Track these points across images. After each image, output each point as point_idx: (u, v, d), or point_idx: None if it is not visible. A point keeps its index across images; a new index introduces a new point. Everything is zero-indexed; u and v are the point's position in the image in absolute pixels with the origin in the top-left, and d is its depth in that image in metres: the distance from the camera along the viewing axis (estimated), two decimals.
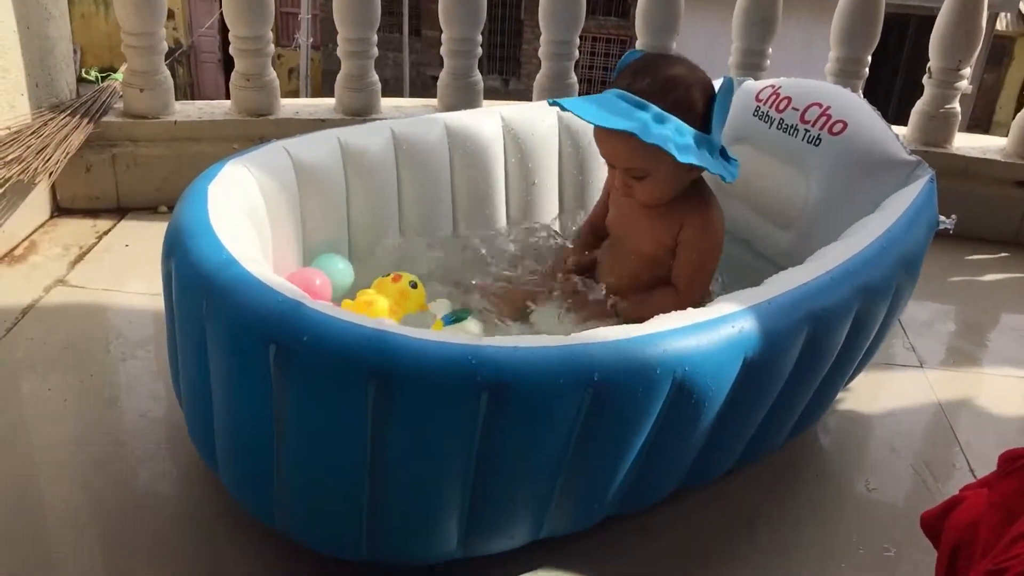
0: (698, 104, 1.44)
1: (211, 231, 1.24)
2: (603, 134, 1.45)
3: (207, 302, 1.15)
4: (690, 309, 1.21)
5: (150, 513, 1.41)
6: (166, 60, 2.44)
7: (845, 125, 1.68)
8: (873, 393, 1.86)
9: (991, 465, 0.92)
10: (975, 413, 1.86)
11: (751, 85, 1.90)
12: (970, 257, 2.54)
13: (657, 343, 1.14)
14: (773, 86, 1.84)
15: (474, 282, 1.66)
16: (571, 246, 1.75)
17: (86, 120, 2.30)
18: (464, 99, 2.53)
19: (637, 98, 1.40)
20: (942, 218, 1.58)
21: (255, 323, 1.09)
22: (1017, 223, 2.63)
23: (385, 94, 2.58)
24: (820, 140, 1.70)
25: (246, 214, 1.40)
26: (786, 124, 1.76)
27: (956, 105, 2.59)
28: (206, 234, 1.23)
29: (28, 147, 2.10)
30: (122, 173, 2.39)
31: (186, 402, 1.36)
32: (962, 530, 0.78)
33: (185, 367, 1.30)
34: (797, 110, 1.75)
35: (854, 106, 1.72)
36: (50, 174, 2.15)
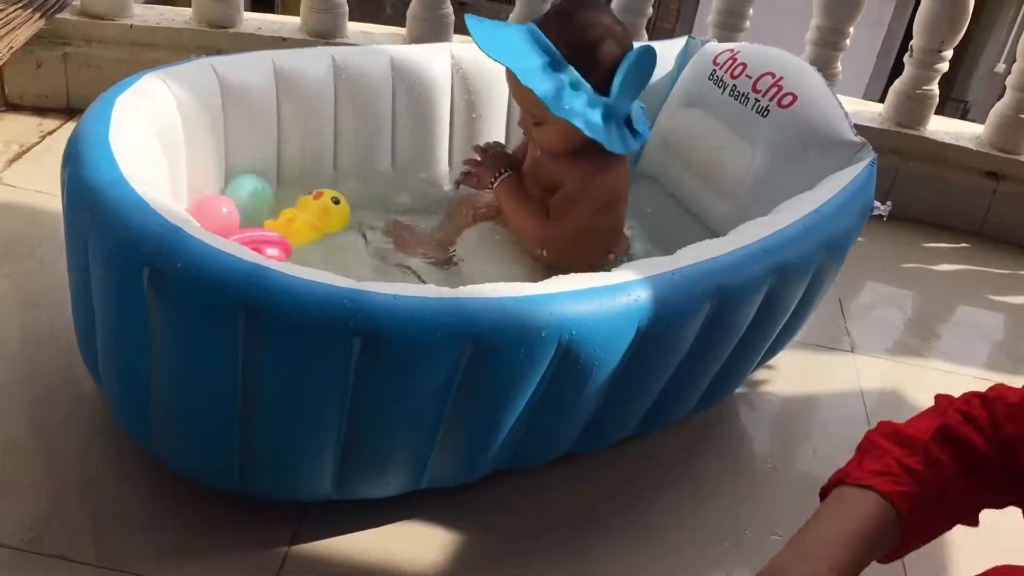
0: (605, 63, 1.39)
1: (107, 146, 1.20)
2: (507, 70, 1.40)
3: (91, 217, 1.12)
4: (587, 274, 1.19)
5: (35, 419, 1.40)
6: None
7: (795, 98, 1.63)
8: (797, 373, 1.83)
9: None
10: (898, 405, 1.84)
11: (712, 48, 1.85)
12: (928, 244, 2.50)
13: (545, 305, 1.11)
14: (732, 51, 1.78)
15: (380, 224, 1.64)
16: None
17: (38, 15, 2.22)
18: (432, 31, 2.46)
19: (544, 39, 1.36)
20: (877, 204, 1.54)
21: (132, 245, 1.06)
22: (982, 214, 2.59)
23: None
24: (768, 111, 1.65)
25: (155, 132, 1.35)
26: (738, 91, 1.71)
27: (934, 87, 2.52)
28: (101, 148, 1.19)
29: None
30: (73, 73, 2.33)
31: (74, 316, 1.34)
32: None
33: (72, 281, 1.28)
34: (750, 78, 1.70)
35: (807, 79, 1.67)
36: None
